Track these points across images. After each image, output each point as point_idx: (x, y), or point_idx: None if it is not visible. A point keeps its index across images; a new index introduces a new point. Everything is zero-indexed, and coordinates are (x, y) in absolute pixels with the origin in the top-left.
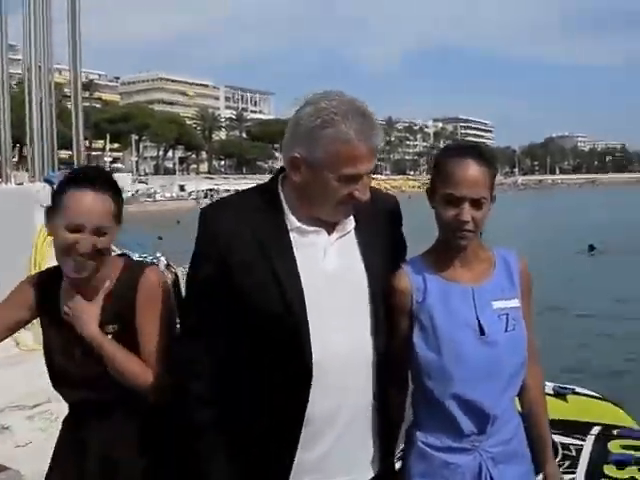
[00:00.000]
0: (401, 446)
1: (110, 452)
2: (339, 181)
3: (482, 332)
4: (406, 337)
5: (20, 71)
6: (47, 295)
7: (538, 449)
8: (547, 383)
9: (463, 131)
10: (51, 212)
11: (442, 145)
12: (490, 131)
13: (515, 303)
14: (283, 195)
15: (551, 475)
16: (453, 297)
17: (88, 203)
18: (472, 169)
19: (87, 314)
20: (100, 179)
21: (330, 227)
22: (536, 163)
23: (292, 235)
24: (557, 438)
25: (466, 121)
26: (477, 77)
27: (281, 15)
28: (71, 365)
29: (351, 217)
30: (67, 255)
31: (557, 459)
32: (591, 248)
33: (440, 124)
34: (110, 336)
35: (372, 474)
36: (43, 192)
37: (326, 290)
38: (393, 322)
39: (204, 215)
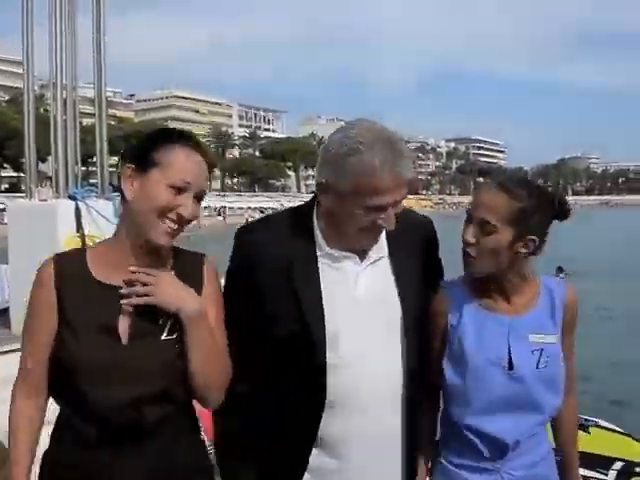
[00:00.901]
0: None
1: None
2: (364, 210)
3: (511, 366)
4: (439, 360)
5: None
6: (66, 282)
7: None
8: None
9: (475, 151)
10: (139, 167)
11: (454, 165)
12: (502, 152)
13: (552, 339)
14: (316, 219)
15: None
16: (488, 325)
17: (197, 162)
18: (487, 192)
19: (185, 289)
20: (200, 144)
21: (362, 253)
22: (549, 184)
23: (321, 261)
24: (579, 471)
25: (478, 141)
26: (489, 98)
27: (295, 36)
28: (116, 355)
29: (384, 244)
30: (162, 216)
31: None
32: (560, 270)
33: (452, 144)
34: (172, 319)
35: None
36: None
37: (356, 318)
38: (429, 345)
39: (239, 235)
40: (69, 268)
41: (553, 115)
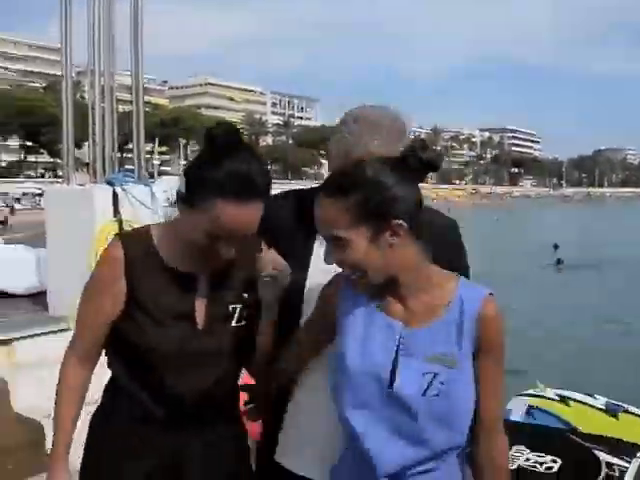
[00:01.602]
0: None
1: (214, 462)
2: None
3: (391, 383)
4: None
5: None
6: (136, 265)
7: None
8: (599, 397)
9: (510, 141)
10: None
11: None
12: (537, 142)
13: (453, 364)
14: None
15: None
16: (376, 328)
17: (249, 215)
18: (317, 208)
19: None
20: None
21: None
22: (584, 176)
23: (319, 237)
24: (602, 456)
25: (513, 131)
26: (525, 87)
27: (329, 27)
28: (194, 340)
29: None
30: (207, 254)
31: (599, 477)
32: (558, 262)
33: (487, 134)
34: (241, 306)
35: None
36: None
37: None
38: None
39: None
40: (138, 250)
41: (589, 106)
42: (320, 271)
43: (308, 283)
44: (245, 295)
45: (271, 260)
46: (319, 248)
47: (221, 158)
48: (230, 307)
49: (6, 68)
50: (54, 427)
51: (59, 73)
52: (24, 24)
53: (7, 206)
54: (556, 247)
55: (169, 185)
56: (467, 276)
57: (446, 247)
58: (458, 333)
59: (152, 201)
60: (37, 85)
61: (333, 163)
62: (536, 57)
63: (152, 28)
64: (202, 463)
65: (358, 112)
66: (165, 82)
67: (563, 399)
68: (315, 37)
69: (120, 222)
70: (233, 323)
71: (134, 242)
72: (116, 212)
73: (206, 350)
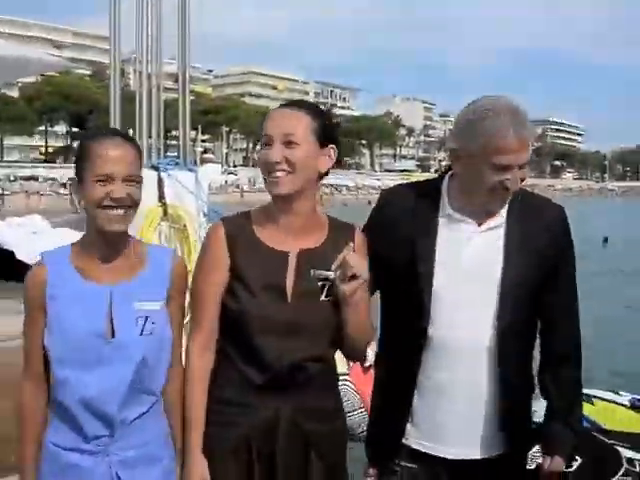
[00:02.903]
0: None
1: (302, 423)
2: (492, 169)
3: (113, 335)
4: None
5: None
6: (237, 243)
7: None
8: (623, 393)
9: (553, 134)
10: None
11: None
12: (580, 134)
13: (157, 306)
14: (445, 187)
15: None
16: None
17: None
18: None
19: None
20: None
21: (480, 220)
22: (627, 169)
23: (441, 220)
24: (623, 451)
25: (556, 123)
26: (569, 79)
27: (370, 17)
28: (283, 310)
29: (503, 215)
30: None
31: (619, 473)
32: (605, 240)
33: None
34: (329, 283)
35: (490, 453)
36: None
37: (460, 274)
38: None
39: (380, 196)
40: (238, 231)
41: (633, 98)
42: (455, 255)
43: (435, 281)
44: (331, 273)
45: (353, 262)
46: (447, 227)
47: None
48: (319, 283)
49: (53, 55)
50: (187, 418)
51: (104, 61)
52: (71, 12)
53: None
54: (606, 240)
55: (212, 172)
56: (573, 266)
57: (546, 226)
58: (160, 283)
59: (196, 187)
60: (83, 72)
61: (480, 146)
62: (580, 49)
63: (196, 16)
64: (291, 429)
65: (498, 102)
66: (210, 71)
67: (588, 398)
68: (360, 27)
69: (165, 206)
70: (322, 298)
71: (234, 224)
72: (161, 197)
73: (295, 321)
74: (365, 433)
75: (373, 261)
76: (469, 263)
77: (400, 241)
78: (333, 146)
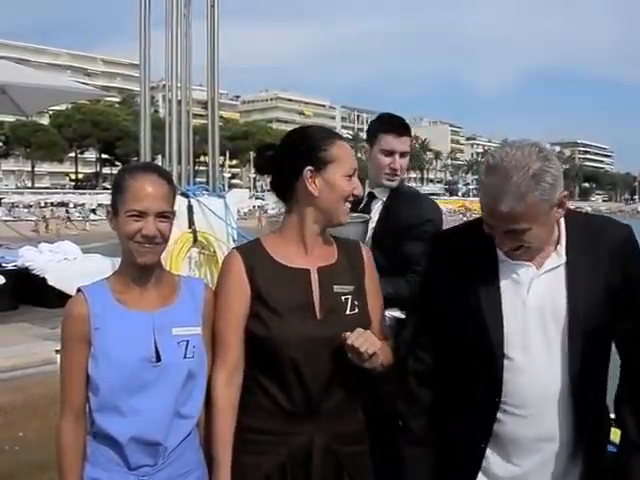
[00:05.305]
0: None
1: (336, 447)
2: (496, 234)
3: (159, 359)
4: None
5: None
6: (256, 269)
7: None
8: None
9: (581, 156)
10: (317, 167)
11: None
12: (609, 156)
13: (195, 330)
14: None
15: None
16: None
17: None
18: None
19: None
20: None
21: (538, 261)
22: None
23: (501, 269)
24: None
25: (584, 145)
26: (595, 100)
27: (393, 42)
28: (315, 329)
29: (563, 252)
30: (345, 201)
31: None
32: None
33: (558, 148)
34: (350, 296)
35: None
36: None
37: (525, 325)
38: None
39: (435, 241)
40: (254, 257)
41: None
42: (518, 305)
43: (506, 323)
44: (351, 286)
45: (358, 343)
46: (506, 274)
47: None
48: (342, 298)
49: (85, 84)
50: (214, 443)
51: (134, 88)
52: (102, 42)
53: (83, 218)
54: None
55: (240, 197)
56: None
57: (615, 251)
58: (195, 310)
59: (225, 212)
60: (113, 99)
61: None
62: (605, 70)
63: (223, 43)
64: (325, 454)
65: (500, 156)
66: (237, 97)
67: None
68: (385, 50)
69: (195, 233)
70: (347, 312)
71: (248, 250)
72: (191, 223)
73: (326, 339)
74: None
75: (429, 305)
76: (534, 316)
77: (456, 293)
78: None
